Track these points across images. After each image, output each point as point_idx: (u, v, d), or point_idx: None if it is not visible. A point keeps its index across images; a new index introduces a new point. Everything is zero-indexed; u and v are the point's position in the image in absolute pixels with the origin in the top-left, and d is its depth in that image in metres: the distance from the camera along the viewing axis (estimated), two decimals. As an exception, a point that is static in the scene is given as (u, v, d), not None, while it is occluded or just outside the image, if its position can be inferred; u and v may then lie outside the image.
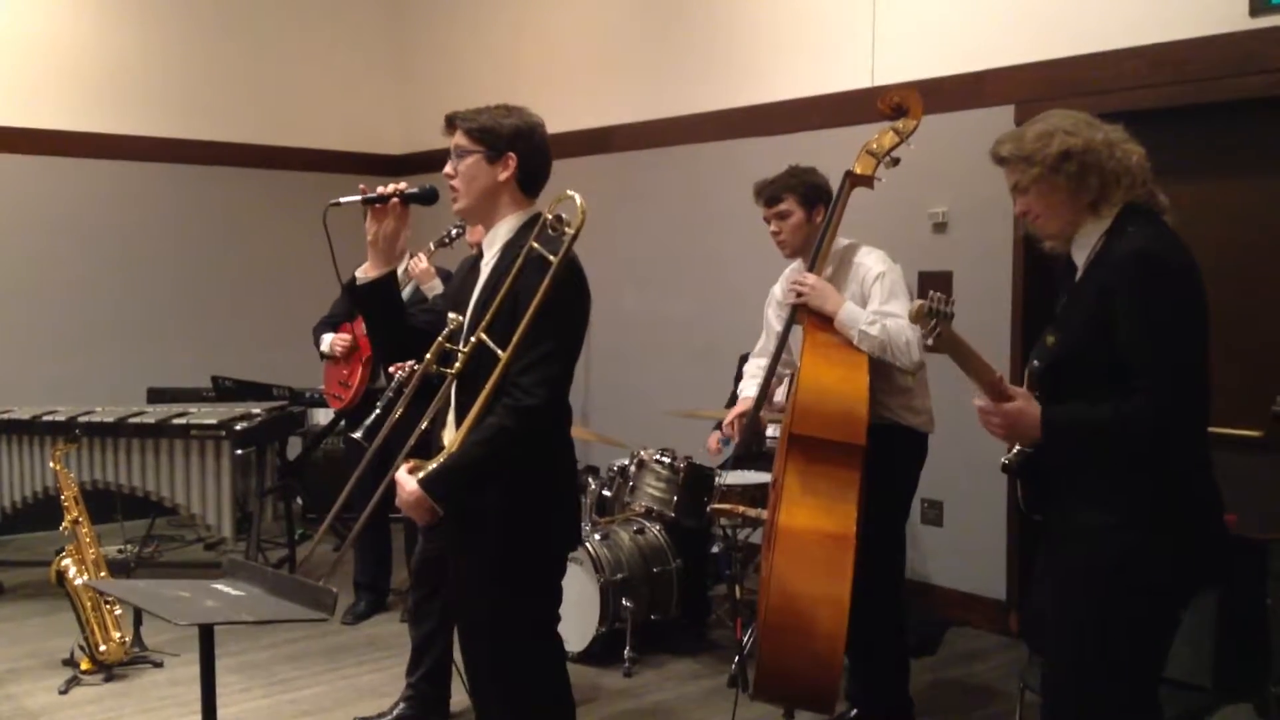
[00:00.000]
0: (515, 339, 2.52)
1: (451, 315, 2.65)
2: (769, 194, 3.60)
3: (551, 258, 2.56)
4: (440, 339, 2.62)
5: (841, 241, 3.56)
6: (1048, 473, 2.44)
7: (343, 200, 2.70)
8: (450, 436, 2.66)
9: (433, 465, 2.57)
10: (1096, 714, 2.39)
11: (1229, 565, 2.44)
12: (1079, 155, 2.35)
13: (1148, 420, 2.25)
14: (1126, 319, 2.25)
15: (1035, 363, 2.45)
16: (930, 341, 2.30)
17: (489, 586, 2.67)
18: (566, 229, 2.59)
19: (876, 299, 3.41)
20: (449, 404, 2.67)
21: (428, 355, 2.62)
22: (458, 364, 2.59)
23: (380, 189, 2.69)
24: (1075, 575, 2.40)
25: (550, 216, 2.63)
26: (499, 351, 2.53)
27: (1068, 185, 2.37)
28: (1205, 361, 2.32)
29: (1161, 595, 2.34)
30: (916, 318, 2.28)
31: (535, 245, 2.60)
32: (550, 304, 2.52)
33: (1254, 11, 3.99)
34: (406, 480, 2.58)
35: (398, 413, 2.67)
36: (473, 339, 2.58)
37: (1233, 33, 4.05)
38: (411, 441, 2.60)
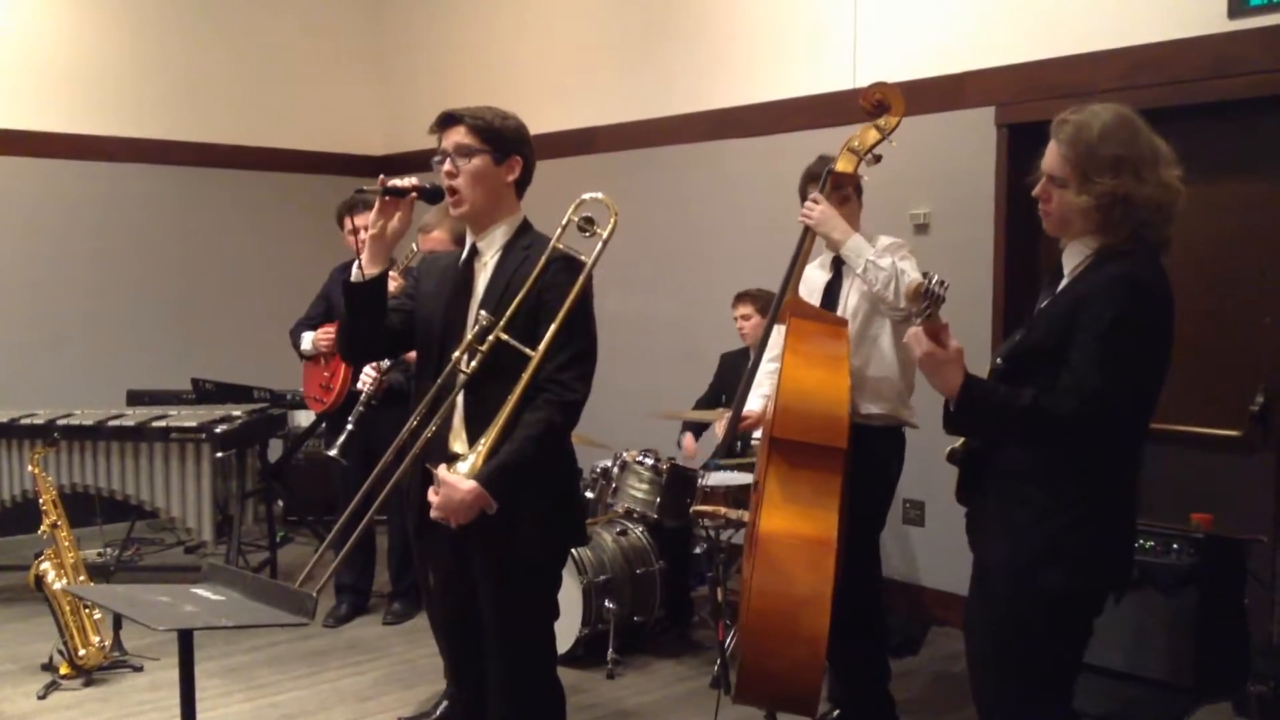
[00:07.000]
0: (549, 336, 2.55)
1: (482, 314, 2.62)
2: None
3: (583, 258, 2.62)
4: (470, 339, 2.60)
5: (884, 240, 3.55)
6: (981, 466, 2.45)
7: (366, 189, 2.74)
8: (457, 438, 2.66)
9: (468, 463, 2.52)
10: (1008, 707, 2.42)
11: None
12: (1132, 205, 2.23)
13: (1063, 414, 2.20)
14: (1088, 325, 2.22)
15: (998, 360, 2.45)
16: (919, 322, 2.31)
17: (509, 581, 2.67)
18: (598, 230, 2.65)
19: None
20: (454, 406, 2.65)
21: (455, 354, 2.61)
22: (474, 363, 2.58)
23: (396, 182, 2.69)
24: (990, 568, 2.44)
25: (578, 218, 2.66)
26: (526, 350, 2.55)
27: (1100, 219, 2.27)
28: (1150, 393, 2.28)
29: (1069, 597, 2.33)
30: (912, 297, 2.29)
31: (560, 246, 2.64)
32: (581, 303, 2.59)
33: (1233, 13, 4.02)
34: (459, 480, 2.51)
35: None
36: (490, 338, 2.58)
37: (1212, 35, 4.07)
38: (417, 449, 2.59)
